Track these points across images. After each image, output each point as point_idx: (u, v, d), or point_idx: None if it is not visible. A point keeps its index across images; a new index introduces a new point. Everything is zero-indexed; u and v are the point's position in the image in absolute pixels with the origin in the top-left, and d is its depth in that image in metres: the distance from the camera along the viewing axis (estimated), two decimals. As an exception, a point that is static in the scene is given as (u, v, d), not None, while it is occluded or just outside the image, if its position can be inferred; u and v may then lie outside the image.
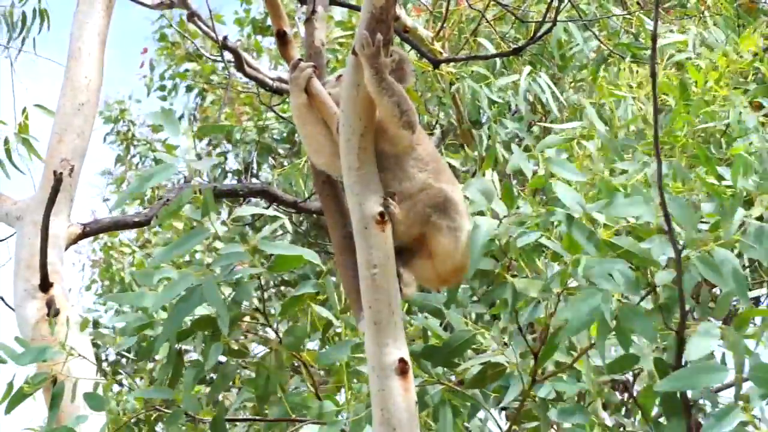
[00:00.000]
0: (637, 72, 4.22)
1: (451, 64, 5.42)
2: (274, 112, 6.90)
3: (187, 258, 6.65)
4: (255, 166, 8.51)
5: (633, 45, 5.08)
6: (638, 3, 5.98)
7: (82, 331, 3.17)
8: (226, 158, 8.72)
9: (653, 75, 2.59)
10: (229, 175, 8.88)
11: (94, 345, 4.05)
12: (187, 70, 9.00)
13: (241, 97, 8.66)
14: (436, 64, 5.08)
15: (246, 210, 3.00)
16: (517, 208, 2.75)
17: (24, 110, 4.79)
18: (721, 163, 3.43)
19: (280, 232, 7.07)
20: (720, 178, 3.05)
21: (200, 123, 9.12)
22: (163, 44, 9.14)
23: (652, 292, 2.60)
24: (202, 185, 2.75)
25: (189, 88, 9.07)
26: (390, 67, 2.56)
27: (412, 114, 2.63)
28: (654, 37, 2.56)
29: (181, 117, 9.17)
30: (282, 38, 4.56)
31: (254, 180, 8.40)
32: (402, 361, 2.44)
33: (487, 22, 5.76)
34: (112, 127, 9.69)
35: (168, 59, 9.15)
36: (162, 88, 9.21)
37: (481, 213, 2.73)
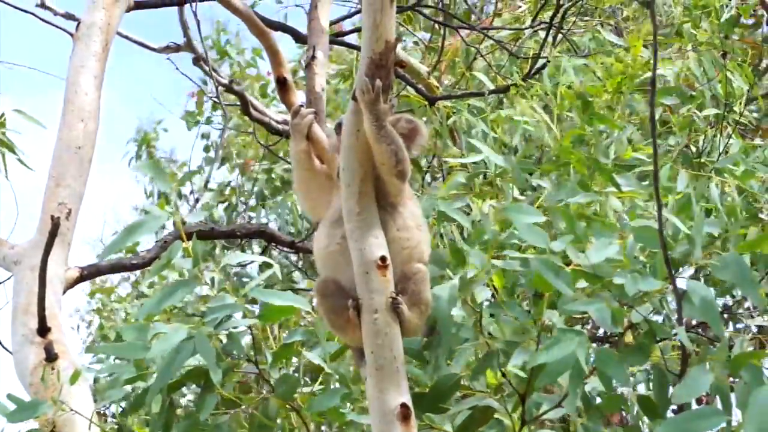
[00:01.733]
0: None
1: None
2: (272, 153, 6.95)
3: (179, 302, 6.66)
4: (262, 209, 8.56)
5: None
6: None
7: (72, 384, 3.17)
8: (236, 206, 8.76)
9: (652, 105, 2.62)
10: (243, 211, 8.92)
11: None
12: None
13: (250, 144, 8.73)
14: (432, 101, 5.14)
15: (234, 258, 3.03)
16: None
17: (1, 115, 4.79)
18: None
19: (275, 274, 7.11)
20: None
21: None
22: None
23: (629, 328, 2.64)
24: (191, 229, 2.77)
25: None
26: (389, 114, 2.60)
27: (406, 164, 2.67)
28: (654, 67, 2.61)
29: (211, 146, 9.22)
30: (282, 84, 4.65)
31: (264, 220, 8.45)
32: (404, 406, 2.47)
33: (482, 56, 5.82)
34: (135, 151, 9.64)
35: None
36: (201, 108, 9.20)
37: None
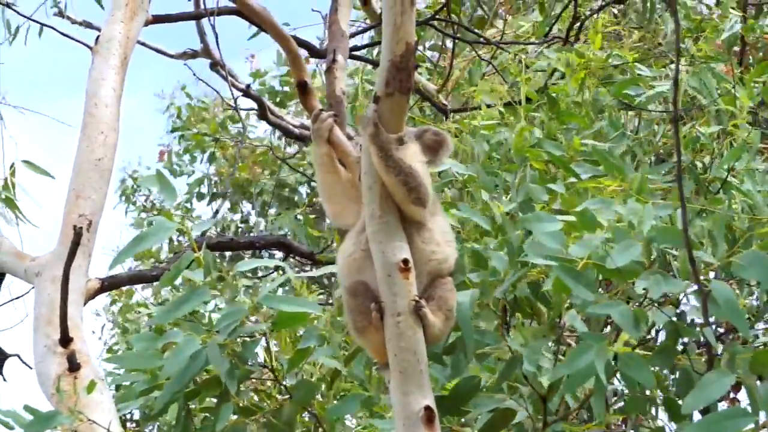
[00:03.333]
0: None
1: (455, 116, 5.43)
2: (288, 165, 6.90)
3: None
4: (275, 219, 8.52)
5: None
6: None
7: (89, 394, 3.12)
8: (247, 217, 8.72)
9: (675, 121, 2.55)
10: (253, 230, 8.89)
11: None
12: (204, 134, 8.98)
13: (256, 153, 8.68)
14: (445, 113, 5.09)
15: (248, 264, 2.96)
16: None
17: (12, 166, 4.76)
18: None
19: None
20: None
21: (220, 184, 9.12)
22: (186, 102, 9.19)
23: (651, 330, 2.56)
24: (200, 241, 2.73)
25: (201, 150, 9.06)
26: (395, 143, 2.53)
27: (422, 189, 2.57)
28: (675, 81, 2.52)
29: (201, 182, 9.21)
30: (303, 88, 4.60)
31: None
32: (428, 408, 2.41)
33: (495, 69, 5.74)
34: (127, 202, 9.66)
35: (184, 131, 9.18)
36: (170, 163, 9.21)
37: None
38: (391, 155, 2.50)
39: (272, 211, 8.57)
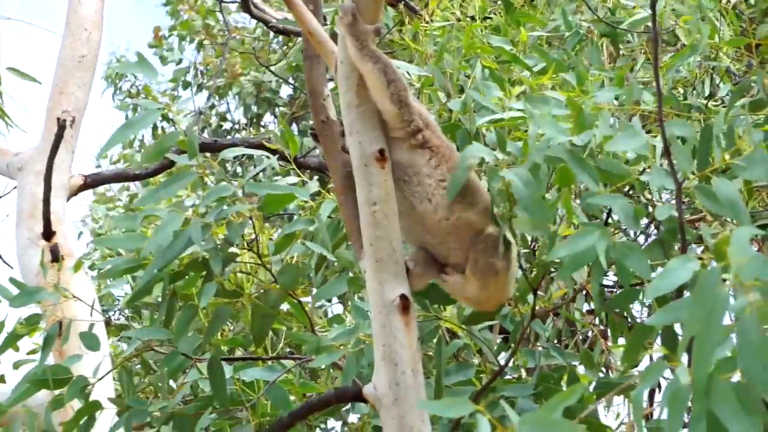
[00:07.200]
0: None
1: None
2: (272, 72, 6.67)
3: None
4: (256, 118, 8.34)
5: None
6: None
7: (76, 272, 3.01)
8: (227, 116, 8.53)
9: (655, 41, 2.38)
10: (234, 131, 8.73)
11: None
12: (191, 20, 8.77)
13: (245, 44, 8.42)
14: (414, 10, 4.86)
15: (233, 151, 2.81)
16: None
17: None
18: None
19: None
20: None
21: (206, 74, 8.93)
22: None
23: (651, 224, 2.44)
24: (188, 128, 2.57)
25: (185, 39, 8.85)
26: (373, 35, 2.37)
27: (401, 86, 2.38)
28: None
29: (188, 71, 9.00)
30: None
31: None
32: (403, 297, 2.31)
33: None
34: (114, 86, 9.49)
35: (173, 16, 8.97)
36: (162, 43, 8.99)
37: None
38: (367, 45, 2.35)
39: (252, 110, 8.38)
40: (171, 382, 2.86)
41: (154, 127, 8.15)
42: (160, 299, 2.65)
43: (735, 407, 1.43)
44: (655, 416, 3.06)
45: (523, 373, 2.97)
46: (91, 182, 5.32)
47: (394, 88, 2.38)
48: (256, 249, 2.67)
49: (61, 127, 4.52)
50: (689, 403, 1.50)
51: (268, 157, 2.82)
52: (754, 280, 1.49)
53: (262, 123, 8.33)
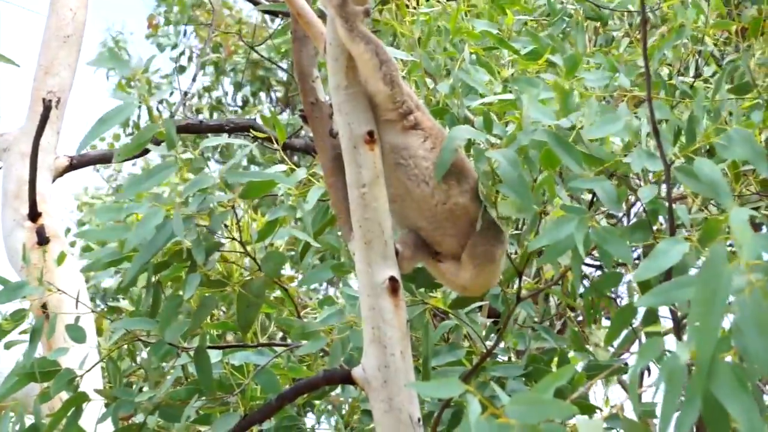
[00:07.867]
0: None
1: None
2: (257, 53, 6.59)
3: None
4: (251, 98, 8.26)
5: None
6: None
7: (60, 265, 2.99)
8: (223, 98, 8.47)
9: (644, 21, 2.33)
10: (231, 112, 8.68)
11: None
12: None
13: (240, 23, 8.34)
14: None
15: (211, 141, 2.77)
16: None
17: None
18: None
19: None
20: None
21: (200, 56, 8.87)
22: None
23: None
24: (166, 119, 2.53)
25: (171, 23, 8.76)
26: (362, 16, 2.33)
27: (392, 66, 2.36)
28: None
29: (182, 54, 8.94)
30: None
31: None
32: (392, 279, 2.31)
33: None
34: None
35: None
36: (157, 31, 8.91)
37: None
38: (357, 26, 2.31)
39: (246, 90, 8.32)
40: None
41: (149, 109, 8.10)
42: (144, 290, 2.63)
43: (734, 387, 1.41)
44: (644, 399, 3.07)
45: (513, 356, 2.97)
46: (77, 163, 5.28)
47: (386, 68, 2.36)
48: (239, 237, 2.64)
49: (47, 107, 4.49)
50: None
51: (247, 145, 2.78)
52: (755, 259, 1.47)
53: (258, 102, 8.25)
